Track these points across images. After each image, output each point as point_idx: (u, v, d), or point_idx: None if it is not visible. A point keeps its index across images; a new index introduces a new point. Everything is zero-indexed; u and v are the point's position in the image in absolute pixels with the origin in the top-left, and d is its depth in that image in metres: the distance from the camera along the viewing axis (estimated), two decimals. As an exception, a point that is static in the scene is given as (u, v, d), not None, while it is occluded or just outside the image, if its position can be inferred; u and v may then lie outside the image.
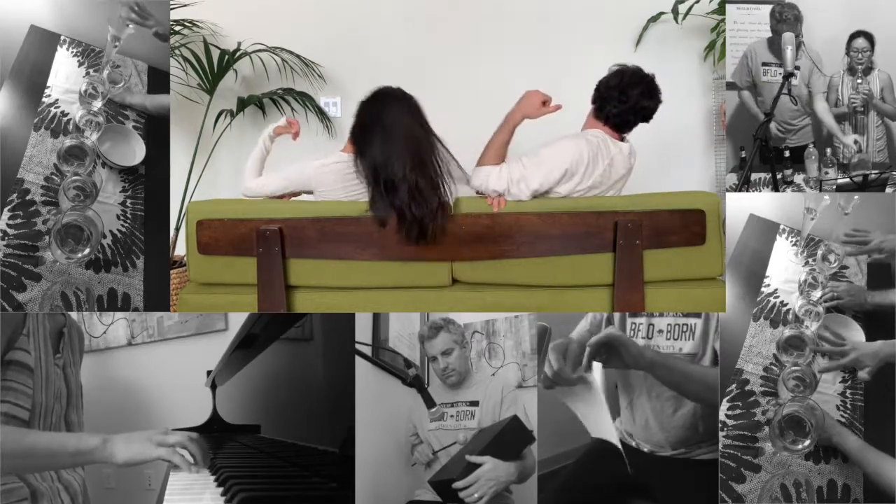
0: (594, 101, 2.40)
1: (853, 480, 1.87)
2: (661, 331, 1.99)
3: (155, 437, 1.45)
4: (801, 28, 2.89)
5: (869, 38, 2.87)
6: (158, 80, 2.41)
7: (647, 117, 2.38)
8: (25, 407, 1.54)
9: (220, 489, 1.58)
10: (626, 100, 2.32)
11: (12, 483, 1.50)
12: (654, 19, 3.52)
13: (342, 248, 2.26)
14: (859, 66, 2.89)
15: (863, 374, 1.94)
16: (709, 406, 1.91)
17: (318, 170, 2.35)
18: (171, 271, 2.87)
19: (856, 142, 2.89)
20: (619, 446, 1.92)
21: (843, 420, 1.91)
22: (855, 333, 2.00)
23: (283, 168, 2.43)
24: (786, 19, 2.87)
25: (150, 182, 2.29)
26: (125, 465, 1.41)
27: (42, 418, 1.59)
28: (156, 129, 2.34)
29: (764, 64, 2.97)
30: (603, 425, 1.95)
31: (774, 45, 2.91)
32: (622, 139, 2.40)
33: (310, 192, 2.41)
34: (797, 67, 2.87)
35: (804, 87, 2.97)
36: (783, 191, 2.86)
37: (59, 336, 1.72)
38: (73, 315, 1.93)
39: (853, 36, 2.87)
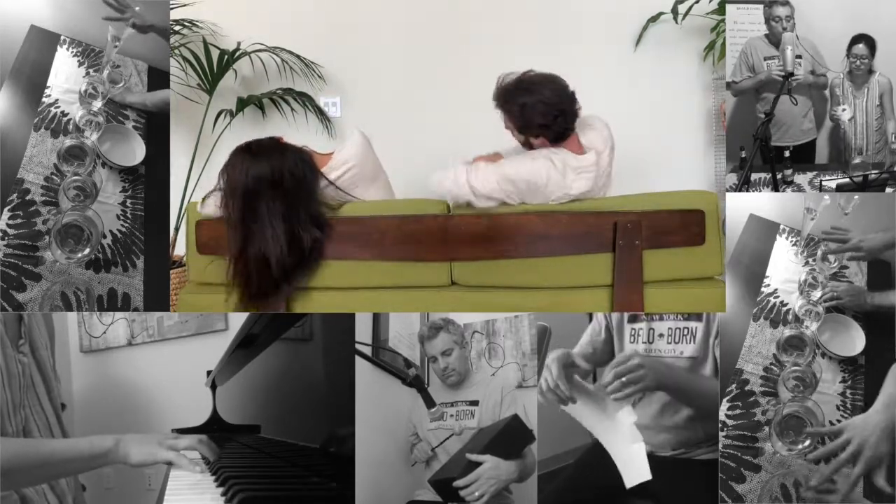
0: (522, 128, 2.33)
1: (853, 480, 1.87)
2: (661, 335, 1.99)
3: (165, 440, 1.46)
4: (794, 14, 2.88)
5: (869, 43, 2.85)
6: (158, 80, 2.41)
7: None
8: None
9: (221, 489, 1.58)
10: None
11: (2, 492, 1.49)
12: (653, 19, 3.52)
13: (342, 248, 2.26)
14: (859, 72, 2.88)
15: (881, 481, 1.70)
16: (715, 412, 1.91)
17: None
18: (171, 271, 2.87)
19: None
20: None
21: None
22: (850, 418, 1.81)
23: None
24: (783, 25, 2.87)
25: (150, 182, 2.29)
26: (138, 466, 1.43)
27: (12, 417, 1.54)
28: (156, 129, 2.34)
29: (766, 58, 2.96)
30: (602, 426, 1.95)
31: (771, 40, 2.91)
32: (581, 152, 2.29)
33: None
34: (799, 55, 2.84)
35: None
36: (783, 191, 2.86)
37: (19, 321, 1.64)
38: (73, 315, 1.93)
39: (854, 41, 2.86)
